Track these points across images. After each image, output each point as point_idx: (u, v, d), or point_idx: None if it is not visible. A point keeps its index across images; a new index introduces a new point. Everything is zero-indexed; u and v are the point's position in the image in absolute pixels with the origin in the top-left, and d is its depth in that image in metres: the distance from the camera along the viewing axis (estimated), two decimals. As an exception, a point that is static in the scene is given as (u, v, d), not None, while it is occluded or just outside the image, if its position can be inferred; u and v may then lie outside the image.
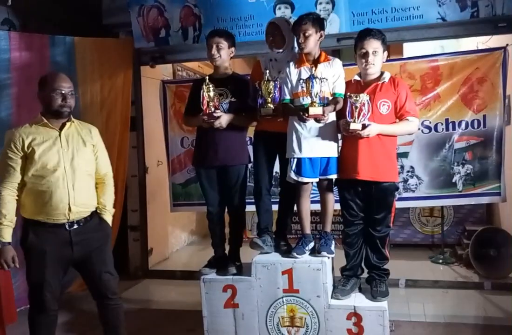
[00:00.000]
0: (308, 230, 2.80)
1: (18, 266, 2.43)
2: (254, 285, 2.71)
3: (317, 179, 2.70)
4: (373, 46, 2.60)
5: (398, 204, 3.11)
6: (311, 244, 2.77)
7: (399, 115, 2.66)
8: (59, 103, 2.43)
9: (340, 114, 2.64)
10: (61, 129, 2.48)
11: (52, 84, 2.43)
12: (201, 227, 6.06)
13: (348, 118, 2.52)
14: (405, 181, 4.09)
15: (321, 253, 2.67)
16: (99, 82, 4.24)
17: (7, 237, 2.39)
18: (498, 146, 3.92)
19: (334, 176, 2.70)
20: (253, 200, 2.92)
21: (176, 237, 5.69)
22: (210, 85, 2.67)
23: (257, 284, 2.71)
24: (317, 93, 2.53)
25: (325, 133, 2.64)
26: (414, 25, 3.79)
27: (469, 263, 4.31)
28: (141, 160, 4.65)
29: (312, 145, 2.63)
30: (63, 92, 2.43)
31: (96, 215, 2.58)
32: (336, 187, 2.81)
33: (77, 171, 2.44)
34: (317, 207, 2.90)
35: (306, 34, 2.61)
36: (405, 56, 5.19)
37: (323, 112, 2.51)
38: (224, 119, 2.73)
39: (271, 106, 2.65)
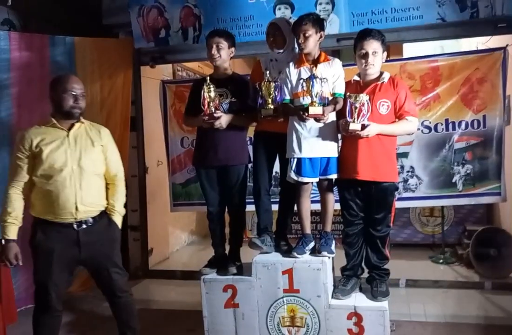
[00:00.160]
0: (308, 230, 2.80)
1: (21, 264, 2.45)
2: (254, 285, 2.71)
3: (317, 179, 2.70)
4: (373, 46, 2.61)
5: (398, 204, 3.12)
6: (312, 244, 2.77)
7: (398, 115, 2.66)
8: (71, 104, 2.47)
9: (340, 114, 2.65)
10: (69, 129, 2.51)
11: (64, 85, 2.46)
12: (201, 227, 6.06)
13: (347, 118, 2.52)
14: (405, 181, 4.09)
15: (322, 253, 2.68)
16: (99, 82, 4.24)
17: (11, 234, 2.42)
18: (498, 146, 3.92)
19: (334, 176, 2.70)
20: (253, 200, 2.92)
21: (176, 237, 5.69)
22: (211, 86, 2.67)
23: (258, 284, 2.71)
24: (317, 93, 2.53)
25: (325, 133, 2.64)
26: (414, 26, 3.79)
27: (469, 263, 4.32)
28: (141, 160, 4.65)
29: (312, 145, 2.63)
30: (74, 93, 2.47)
31: (105, 215, 2.59)
32: (336, 187, 2.82)
33: (85, 171, 2.46)
34: (317, 207, 2.90)
35: (306, 35, 2.61)
36: (405, 56, 5.20)
37: (323, 112, 2.52)
38: (224, 120, 2.73)
39: (272, 107, 2.65)
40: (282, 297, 2.68)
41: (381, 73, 2.69)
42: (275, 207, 2.99)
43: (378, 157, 2.62)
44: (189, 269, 4.43)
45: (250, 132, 3.07)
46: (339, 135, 2.74)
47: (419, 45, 5.02)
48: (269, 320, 2.72)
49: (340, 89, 2.67)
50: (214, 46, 2.82)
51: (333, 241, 2.78)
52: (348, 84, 2.72)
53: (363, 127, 2.51)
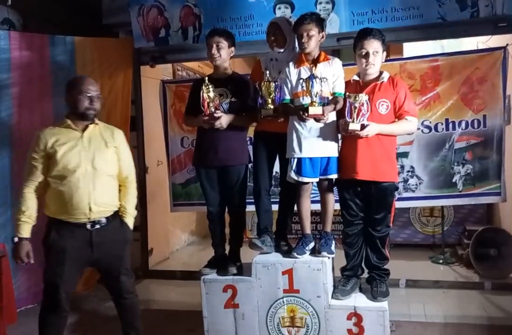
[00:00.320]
0: (308, 230, 2.80)
1: (32, 262, 2.47)
2: (254, 285, 2.71)
3: (317, 179, 2.70)
4: (374, 46, 2.60)
5: (398, 204, 3.12)
6: (311, 244, 2.76)
7: (398, 114, 2.66)
8: (86, 105, 2.49)
9: (340, 114, 2.64)
10: (84, 130, 2.54)
11: (80, 87, 2.49)
12: (201, 227, 6.05)
13: (347, 118, 2.52)
14: (405, 181, 4.09)
15: (321, 253, 2.67)
16: (99, 82, 4.20)
17: (24, 232, 2.45)
18: (498, 146, 3.91)
19: (334, 176, 2.70)
20: (253, 200, 2.92)
21: (176, 237, 5.69)
22: (210, 86, 2.66)
23: (258, 284, 2.71)
24: (317, 93, 2.52)
25: (325, 133, 2.64)
26: (414, 25, 3.78)
27: (469, 263, 4.31)
28: (141, 160, 4.64)
29: (312, 145, 2.63)
30: (89, 94, 2.49)
31: (118, 216, 2.62)
32: (335, 187, 2.81)
33: (98, 172, 2.49)
34: (317, 207, 2.90)
35: (310, 34, 2.61)
36: (405, 56, 5.19)
37: (323, 111, 2.51)
38: (224, 120, 2.73)
39: (272, 106, 2.65)
40: (282, 298, 2.68)
41: (381, 73, 2.69)
42: (275, 207, 2.98)
43: (378, 157, 2.62)
44: (189, 269, 4.43)
45: (250, 132, 3.07)
46: (339, 135, 2.74)
47: (419, 45, 5.01)
48: (269, 320, 2.72)
49: (340, 89, 2.66)
50: (214, 45, 2.81)
51: (333, 241, 2.78)
52: (347, 84, 2.71)
53: (363, 127, 2.51)
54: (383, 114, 2.63)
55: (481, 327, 3.19)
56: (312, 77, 2.53)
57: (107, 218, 2.54)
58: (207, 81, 2.67)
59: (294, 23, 2.71)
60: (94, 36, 4.23)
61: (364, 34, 2.63)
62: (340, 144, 2.75)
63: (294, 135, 2.66)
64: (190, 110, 2.94)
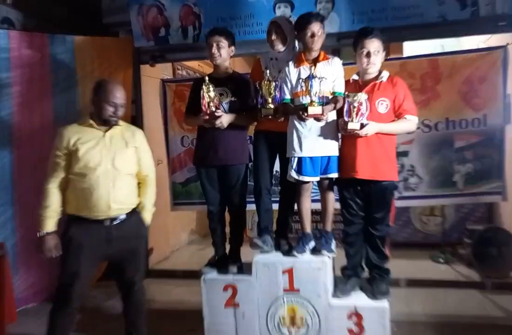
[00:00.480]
0: (308, 229, 2.79)
1: (60, 253, 2.52)
2: (254, 285, 2.71)
3: (317, 178, 2.70)
4: (375, 45, 2.60)
5: (398, 203, 3.12)
6: (312, 243, 2.76)
7: (397, 113, 2.66)
8: (109, 114, 2.55)
9: (341, 113, 2.64)
10: (106, 130, 2.60)
11: (107, 95, 2.53)
12: (201, 226, 6.05)
13: (346, 117, 2.51)
14: (406, 180, 4.09)
15: (322, 252, 2.68)
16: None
17: (50, 227, 2.52)
18: (499, 145, 3.92)
19: (334, 175, 2.69)
20: (253, 200, 2.92)
21: (176, 236, 5.68)
22: (210, 85, 2.66)
23: (258, 284, 2.71)
24: (316, 93, 2.52)
25: (325, 132, 2.64)
26: (414, 24, 3.78)
27: (470, 262, 4.31)
28: (141, 159, 4.64)
29: (313, 144, 2.63)
30: (114, 104, 2.54)
31: (136, 212, 2.69)
32: (336, 186, 2.81)
33: (118, 171, 2.55)
34: (317, 206, 2.90)
35: (319, 34, 2.61)
36: (405, 55, 5.18)
37: (322, 111, 2.51)
38: (225, 119, 2.73)
39: (272, 106, 2.65)
40: (283, 297, 2.68)
41: (380, 72, 2.69)
42: (275, 207, 2.98)
43: (377, 156, 2.62)
44: (190, 269, 4.43)
45: (250, 131, 3.06)
46: (339, 134, 2.74)
47: (419, 44, 5.00)
48: (269, 319, 2.72)
49: (340, 88, 2.66)
50: (215, 45, 2.81)
51: (333, 241, 2.78)
52: (347, 83, 2.71)
53: (362, 126, 2.51)
54: (382, 113, 2.63)
55: (482, 326, 3.19)
56: (311, 77, 2.52)
57: (126, 214, 2.61)
58: (207, 81, 2.67)
59: (301, 23, 2.66)
60: (94, 35, 4.23)
61: (365, 33, 2.63)
62: (340, 143, 2.75)
63: (295, 134, 2.66)
64: (191, 109, 2.94)
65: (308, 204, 2.79)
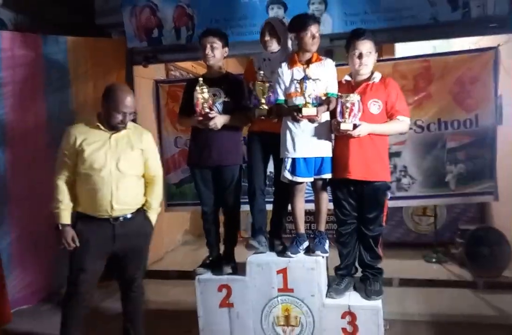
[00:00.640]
0: (302, 229, 2.80)
1: (78, 245, 2.59)
2: (249, 285, 2.72)
3: (311, 179, 2.71)
4: (367, 47, 2.62)
5: (391, 204, 3.13)
6: (306, 244, 2.77)
7: (389, 114, 2.68)
8: (118, 121, 2.59)
9: (333, 114, 2.65)
10: (113, 132, 2.64)
11: (117, 104, 2.55)
12: (195, 227, 6.05)
13: (339, 118, 2.53)
14: (398, 180, 4.11)
15: (316, 253, 2.69)
16: (92, 81, 4.23)
17: (66, 219, 2.60)
18: (491, 146, 3.95)
19: (328, 176, 2.70)
20: (247, 200, 2.92)
21: (170, 237, 5.67)
22: (204, 87, 2.66)
23: (252, 284, 2.71)
24: (310, 94, 2.54)
25: (319, 133, 2.65)
26: (406, 25, 3.80)
27: (462, 262, 4.35)
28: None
29: (306, 145, 2.64)
30: (125, 112, 2.56)
31: (142, 211, 2.75)
32: (329, 186, 2.82)
33: (122, 173, 2.60)
34: (311, 206, 2.91)
35: (318, 35, 2.62)
36: (397, 56, 5.21)
37: (317, 112, 2.52)
38: (219, 120, 2.74)
39: (266, 107, 2.66)
40: (277, 297, 2.69)
41: (372, 73, 2.70)
42: (269, 207, 2.99)
43: (370, 157, 2.63)
44: (184, 269, 4.42)
45: (244, 132, 3.07)
46: (333, 135, 2.75)
47: (412, 45, 5.03)
48: (263, 319, 2.72)
49: (333, 89, 2.67)
50: (208, 45, 2.82)
51: (327, 241, 2.79)
52: (339, 84, 2.72)
53: (355, 126, 2.52)
54: (375, 114, 2.65)
55: (474, 325, 3.22)
56: (305, 78, 2.54)
57: (131, 213, 2.67)
58: (201, 82, 2.67)
59: (299, 24, 2.64)
60: (87, 36, 4.22)
61: (357, 34, 2.65)
62: (333, 144, 2.77)
63: (288, 135, 2.67)
64: (184, 110, 2.94)
65: (301, 205, 2.80)
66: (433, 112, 4.03)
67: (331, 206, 2.84)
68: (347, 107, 2.49)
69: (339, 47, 3.69)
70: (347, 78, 2.75)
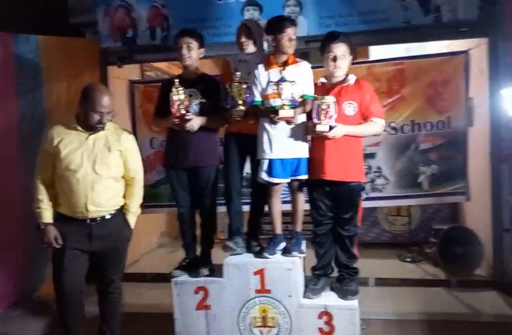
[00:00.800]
0: (279, 230, 2.82)
1: (62, 243, 2.60)
2: (226, 286, 2.71)
3: (288, 180, 2.72)
4: (342, 50, 2.65)
5: (366, 204, 3.17)
6: (283, 244, 2.78)
7: (364, 116, 2.71)
8: (95, 121, 2.57)
9: (309, 116, 2.67)
10: (90, 133, 2.62)
11: (94, 104, 2.54)
12: (171, 229, 5.98)
13: (314, 119, 2.55)
14: (373, 181, 4.16)
15: (292, 253, 2.70)
16: (66, 82, 4.15)
17: (47, 218, 2.61)
18: (462, 147, 4.03)
19: (304, 177, 2.72)
20: (224, 201, 2.92)
21: (146, 239, 5.60)
22: (180, 88, 2.65)
23: (229, 285, 2.71)
24: (287, 96, 2.55)
25: (295, 134, 2.66)
26: (380, 28, 3.85)
27: (436, 261, 4.41)
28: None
29: (283, 146, 2.65)
30: (102, 111, 2.55)
31: (121, 213, 2.74)
32: (305, 187, 2.84)
33: (98, 175, 2.58)
34: (288, 207, 2.92)
35: (294, 37, 2.63)
36: (371, 59, 5.27)
37: (293, 114, 2.54)
38: (195, 122, 2.73)
39: (242, 108, 2.66)
40: (254, 298, 2.69)
41: (347, 75, 2.74)
42: (246, 208, 2.99)
43: (345, 158, 2.66)
44: (160, 272, 4.38)
45: (221, 133, 3.06)
46: (309, 136, 2.77)
47: (386, 48, 5.11)
48: (241, 321, 2.72)
49: (309, 91, 2.69)
50: (185, 46, 2.80)
51: (304, 241, 2.81)
52: (315, 86, 2.75)
53: (330, 128, 2.54)
54: (350, 115, 2.68)
55: (448, 323, 3.28)
56: (282, 80, 2.56)
57: (109, 214, 2.66)
58: (177, 83, 2.65)
59: (276, 26, 2.64)
60: (60, 35, 4.15)
61: (332, 37, 2.67)
62: (309, 145, 2.79)
63: (265, 136, 2.68)
64: (160, 111, 2.92)
65: (278, 206, 2.81)
66: (406, 114, 4.09)
67: (307, 206, 2.86)
68: (322, 109, 2.51)
69: (314, 50, 3.72)
70: (323, 80, 2.78)
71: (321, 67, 2.83)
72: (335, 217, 2.77)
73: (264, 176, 2.69)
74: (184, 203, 2.92)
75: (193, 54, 2.82)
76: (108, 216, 2.65)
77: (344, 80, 2.72)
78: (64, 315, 2.70)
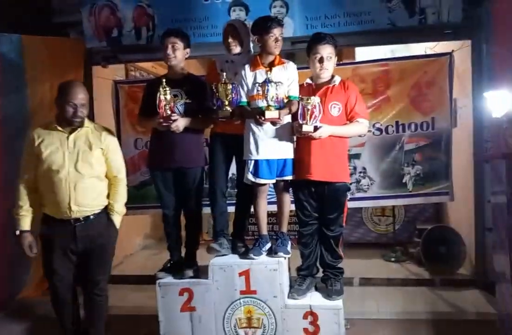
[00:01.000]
0: (265, 231, 2.82)
1: (36, 252, 2.66)
2: (211, 288, 2.70)
3: (274, 181, 2.73)
4: (328, 51, 2.67)
5: (351, 204, 3.18)
6: (268, 245, 2.79)
7: (349, 117, 2.73)
8: (70, 114, 2.59)
9: (295, 116, 2.67)
10: (71, 132, 2.63)
11: (66, 96, 2.59)
12: (156, 231, 5.95)
13: (300, 120, 2.56)
14: (358, 181, 4.18)
15: (278, 254, 2.70)
16: (50, 82, 4.07)
17: (25, 225, 2.62)
18: (446, 148, 4.07)
19: (290, 177, 2.73)
20: (209, 203, 2.91)
21: (130, 241, 5.57)
22: (167, 88, 2.63)
23: (214, 287, 2.70)
24: (272, 97, 2.55)
25: (281, 135, 2.67)
26: (365, 30, 3.88)
27: (420, 261, 4.46)
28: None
29: (269, 147, 2.65)
30: (75, 104, 2.57)
31: (105, 213, 2.73)
32: (291, 188, 2.85)
33: (81, 174, 2.59)
34: (273, 208, 2.92)
35: (280, 37, 2.64)
36: (357, 60, 5.30)
37: (279, 115, 2.54)
38: (181, 123, 2.71)
39: (229, 108, 2.65)
40: (239, 299, 2.68)
41: (333, 76, 2.75)
42: (231, 209, 2.98)
43: (330, 158, 2.68)
44: (144, 273, 4.34)
45: (206, 133, 3.05)
46: (294, 137, 2.78)
47: (371, 49, 5.14)
48: (226, 322, 2.71)
49: (295, 92, 2.71)
50: (170, 46, 2.79)
51: (289, 242, 2.81)
52: (300, 87, 2.76)
53: (316, 129, 2.55)
54: (335, 116, 2.69)
55: (432, 322, 3.30)
56: (267, 81, 2.56)
57: (94, 214, 2.66)
58: (164, 83, 2.64)
59: (263, 27, 2.65)
60: (44, 35, 4.09)
61: (318, 39, 2.68)
62: (294, 146, 2.79)
63: (251, 137, 2.68)
64: (145, 111, 2.90)
65: (264, 206, 2.81)
66: (391, 115, 4.12)
67: (293, 207, 2.87)
68: (308, 110, 2.52)
69: (300, 50, 3.74)
70: (308, 81, 2.79)
71: (307, 68, 2.84)
72: (320, 218, 2.78)
73: (250, 176, 2.69)
74: (169, 204, 2.91)
75: (178, 54, 2.81)
76: (92, 216, 2.65)
77: (329, 81, 2.74)
78: (60, 312, 2.75)
